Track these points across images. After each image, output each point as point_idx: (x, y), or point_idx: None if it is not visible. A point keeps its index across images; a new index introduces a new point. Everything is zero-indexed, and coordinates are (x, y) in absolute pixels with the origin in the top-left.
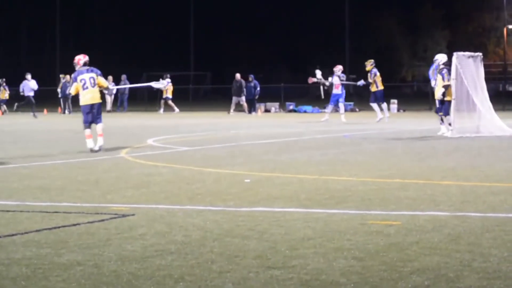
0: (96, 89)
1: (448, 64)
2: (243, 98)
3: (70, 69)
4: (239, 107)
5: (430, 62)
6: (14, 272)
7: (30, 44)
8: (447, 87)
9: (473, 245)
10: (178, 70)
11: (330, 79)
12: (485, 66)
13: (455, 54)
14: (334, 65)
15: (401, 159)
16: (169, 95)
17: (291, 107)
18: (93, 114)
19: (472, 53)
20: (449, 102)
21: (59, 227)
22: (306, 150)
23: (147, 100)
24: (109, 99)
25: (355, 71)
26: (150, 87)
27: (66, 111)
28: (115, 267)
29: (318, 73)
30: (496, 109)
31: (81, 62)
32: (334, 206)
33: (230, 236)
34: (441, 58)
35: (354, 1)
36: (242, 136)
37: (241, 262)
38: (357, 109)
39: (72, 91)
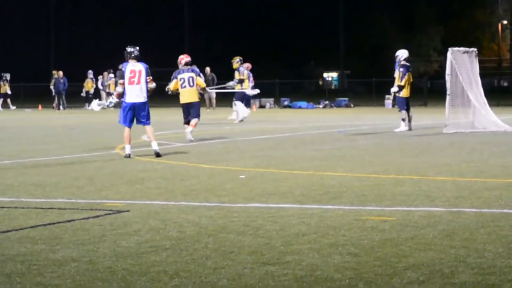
0: (194, 88)
1: (408, 60)
2: (213, 94)
3: (64, 65)
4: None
5: (425, 58)
6: (9, 268)
7: (24, 40)
8: (401, 88)
9: (468, 241)
10: (172, 66)
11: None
12: (480, 62)
13: (450, 49)
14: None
15: (396, 155)
16: (112, 90)
17: (285, 103)
18: (189, 112)
19: (467, 49)
20: (406, 98)
21: (53, 224)
22: (300, 146)
23: None
24: (104, 95)
25: (349, 67)
26: (229, 87)
27: (61, 107)
28: (110, 263)
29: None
30: (490, 105)
31: (183, 62)
32: (329, 202)
33: (224, 232)
34: (401, 54)
35: None
36: (237, 132)
37: (236, 258)
38: (351, 105)
39: (171, 86)
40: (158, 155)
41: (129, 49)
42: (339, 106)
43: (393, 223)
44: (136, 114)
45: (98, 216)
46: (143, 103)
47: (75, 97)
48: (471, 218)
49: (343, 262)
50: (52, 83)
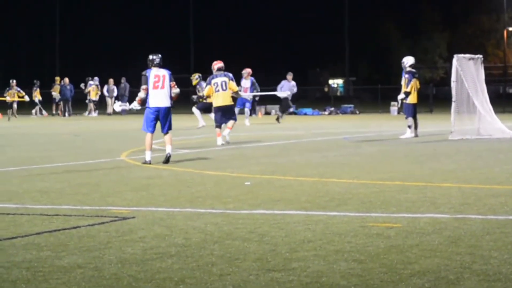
0: (228, 92)
1: (414, 66)
2: None
3: (69, 72)
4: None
5: (430, 64)
6: (15, 275)
7: (29, 47)
8: (407, 94)
9: (474, 248)
10: (178, 72)
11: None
12: (486, 68)
13: (455, 56)
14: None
15: (401, 161)
16: (95, 98)
17: (291, 110)
18: (224, 115)
19: (472, 55)
20: (413, 105)
21: (59, 230)
22: (306, 153)
23: None
24: (110, 102)
25: (354, 73)
26: (274, 96)
27: (66, 114)
28: (115, 270)
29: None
30: (496, 112)
31: (216, 67)
32: (335, 208)
33: (230, 239)
34: (407, 60)
35: (353, 4)
36: (242, 139)
37: (241, 265)
38: (357, 112)
39: (205, 92)
40: (167, 161)
41: (151, 57)
42: (344, 113)
43: (399, 229)
44: (160, 120)
45: (103, 223)
46: (168, 108)
47: (80, 104)
48: (477, 224)
49: (349, 269)
50: (54, 89)
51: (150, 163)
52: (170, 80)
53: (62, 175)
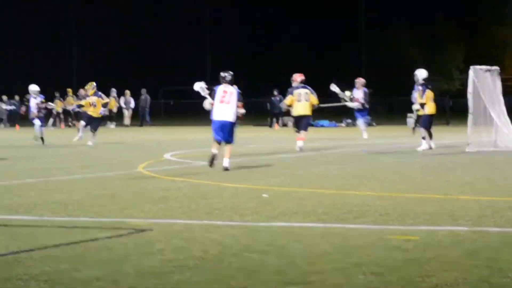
0: (309, 103)
1: (427, 79)
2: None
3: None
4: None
5: (447, 77)
6: (32, 287)
7: (46, 58)
8: (422, 105)
9: (492, 260)
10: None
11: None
12: (502, 80)
13: (472, 68)
14: (353, 79)
15: (419, 173)
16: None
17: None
18: (301, 123)
19: (489, 67)
20: (430, 116)
21: (77, 242)
22: (323, 165)
23: (164, 114)
24: (127, 113)
25: (371, 85)
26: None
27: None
28: (133, 283)
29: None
30: None
31: (298, 80)
32: (352, 221)
33: (248, 252)
34: (420, 73)
35: (369, 16)
36: (260, 151)
37: (259, 278)
38: (374, 123)
39: (287, 102)
40: (226, 170)
41: (222, 74)
42: None
43: (417, 242)
44: (222, 132)
45: (121, 235)
46: (231, 123)
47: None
48: (495, 237)
49: (367, 282)
50: (67, 101)
51: (215, 157)
52: (238, 99)
53: (80, 187)
